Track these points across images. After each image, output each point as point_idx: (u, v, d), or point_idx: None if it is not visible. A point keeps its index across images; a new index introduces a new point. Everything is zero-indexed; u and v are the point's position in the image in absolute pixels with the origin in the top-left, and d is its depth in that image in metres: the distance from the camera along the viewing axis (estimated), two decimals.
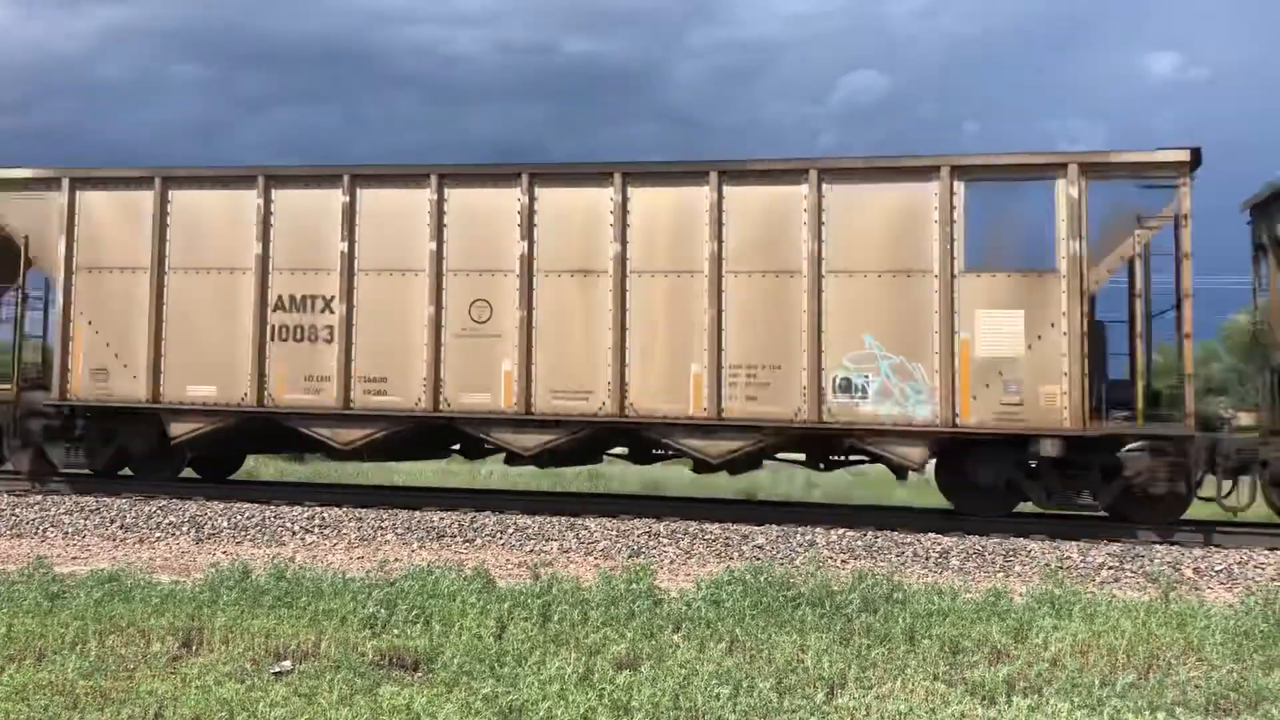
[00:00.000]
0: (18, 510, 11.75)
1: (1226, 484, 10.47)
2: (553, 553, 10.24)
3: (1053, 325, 10.46)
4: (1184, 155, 10.38)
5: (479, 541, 10.65)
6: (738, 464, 11.76)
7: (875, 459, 11.34)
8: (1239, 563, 9.57)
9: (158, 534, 11.04)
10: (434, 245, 11.76)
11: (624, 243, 11.39)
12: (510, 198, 11.67)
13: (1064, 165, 10.56)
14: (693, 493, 16.31)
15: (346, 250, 11.97)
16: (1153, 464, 10.29)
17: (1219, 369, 25.36)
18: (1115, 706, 4.78)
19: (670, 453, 12.00)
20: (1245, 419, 11.17)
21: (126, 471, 13.48)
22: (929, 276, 10.75)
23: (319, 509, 11.80)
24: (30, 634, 5.83)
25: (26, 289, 13.07)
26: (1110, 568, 9.48)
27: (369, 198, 12.04)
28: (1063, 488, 10.65)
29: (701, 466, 11.80)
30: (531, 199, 11.60)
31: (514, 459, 12.11)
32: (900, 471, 11.56)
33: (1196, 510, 11.05)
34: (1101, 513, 10.85)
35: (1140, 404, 10.50)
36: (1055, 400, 10.38)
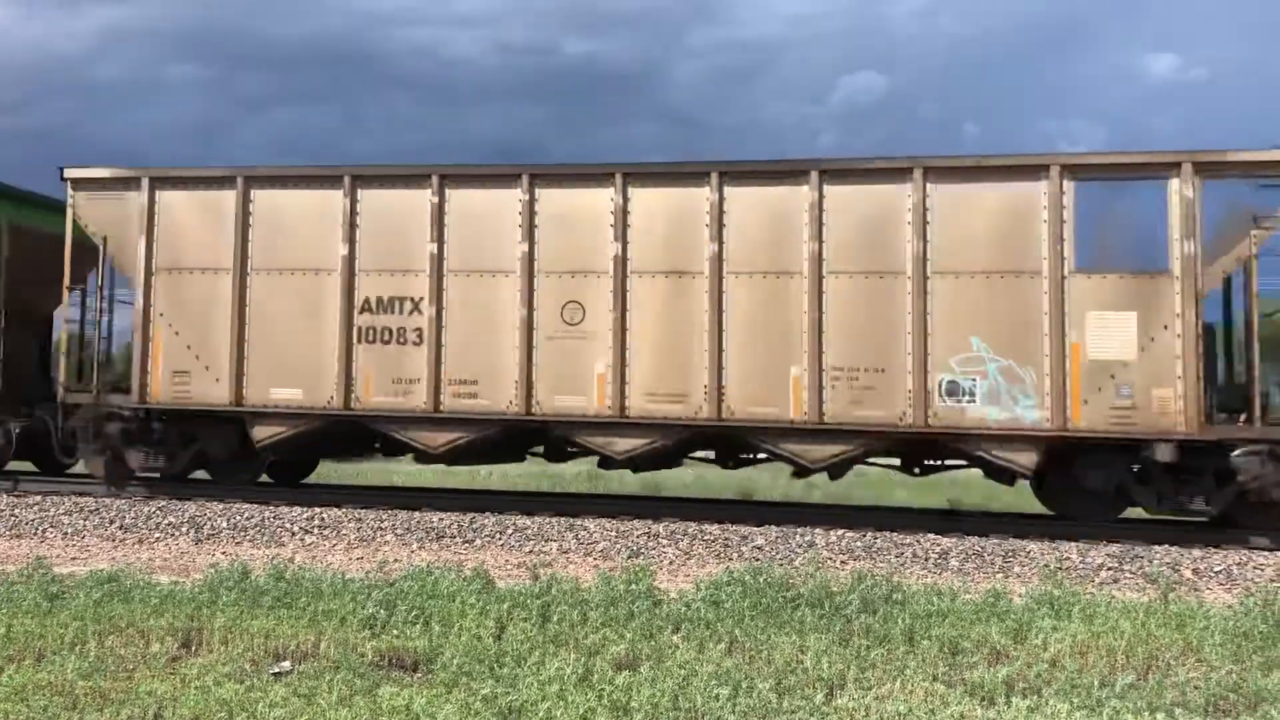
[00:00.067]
0: (17, 511, 11.75)
1: None
2: (552, 553, 10.24)
3: (1166, 327, 10.29)
4: None
5: (478, 542, 10.65)
6: (837, 469, 11.54)
7: (979, 464, 11.16)
8: (1238, 563, 9.58)
9: (157, 534, 11.04)
10: (525, 247, 11.61)
11: (720, 243, 11.21)
12: (603, 198, 11.53)
13: (1177, 164, 10.39)
14: (692, 493, 16.33)
15: (436, 251, 11.80)
16: (1268, 469, 10.12)
17: None
18: (1114, 707, 4.79)
19: (763, 456, 11.85)
20: None
21: (197, 475, 13.39)
22: (1038, 278, 10.58)
23: (318, 509, 11.79)
24: (29, 634, 5.83)
25: (105, 290, 12.86)
26: (1109, 568, 9.49)
27: (458, 198, 11.87)
28: (1174, 493, 10.48)
29: (800, 471, 11.65)
30: (625, 199, 11.46)
31: (606, 463, 11.97)
32: (1005, 477, 11.32)
33: None
34: (1205, 518, 10.72)
35: (1256, 408, 10.27)
36: (1169, 404, 10.22)
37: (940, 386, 10.70)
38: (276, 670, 5.41)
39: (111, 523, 11.32)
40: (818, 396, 10.91)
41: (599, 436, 11.47)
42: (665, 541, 10.46)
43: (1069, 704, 4.84)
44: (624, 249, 11.44)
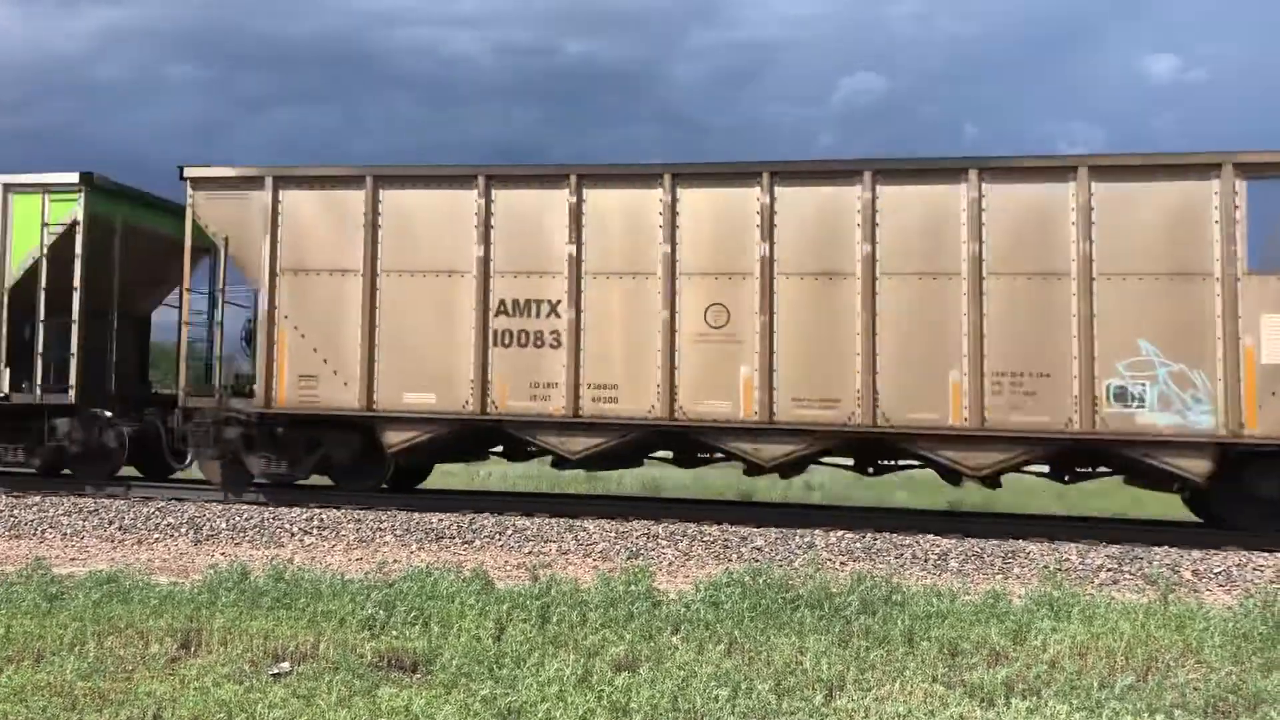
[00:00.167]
0: (16, 511, 11.75)
1: None
2: (551, 554, 10.23)
3: None
4: None
5: (478, 543, 10.65)
6: (998, 476, 11.26)
7: (1143, 472, 10.84)
8: (1238, 565, 9.58)
9: (156, 535, 11.03)
10: (667, 248, 11.34)
11: (874, 243, 10.91)
12: (748, 197, 11.26)
13: None
14: (691, 494, 16.33)
15: (574, 253, 11.56)
16: None
17: None
18: (1114, 708, 4.79)
19: (904, 462, 11.60)
20: None
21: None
22: (1209, 280, 10.31)
23: (317, 510, 11.79)
24: (29, 635, 5.83)
25: (226, 292, 12.69)
26: (1109, 570, 9.49)
27: (595, 198, 11.58)
28: None
29: (956, 478, 11.36)
30: (772, 198, 11.20)
31: (753, 469, 11.70)
32: (1170, 484, 11.09)
33: None
34: None
35: None
36: None
37: (1108, 391, 10.42)
38: (276, 671, 5.41)
39: (111, 523, 11.32)
40: (979, 401, 10.61)
41: (746, 442, 11.18)
42: (664, 542, 10.46)
43: (1068, 705, 4.84)
44: (771, 249, 11.15)
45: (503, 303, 11.72)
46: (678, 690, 4.90)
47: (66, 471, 13.58)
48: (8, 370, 12.93)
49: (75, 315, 12.78)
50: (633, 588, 7.21)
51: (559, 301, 11.60)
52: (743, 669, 5.44)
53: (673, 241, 11.37)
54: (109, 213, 13.34)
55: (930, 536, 10.55)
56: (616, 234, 11.55)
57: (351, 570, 8.70)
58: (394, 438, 11.88)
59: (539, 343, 11.62)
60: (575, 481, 18.60)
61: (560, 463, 12.21)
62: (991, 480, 11.31)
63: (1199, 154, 10.59)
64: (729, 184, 11.37)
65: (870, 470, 11.97)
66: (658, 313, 11.35)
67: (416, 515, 11.51)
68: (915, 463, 11.53)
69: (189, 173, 12.51)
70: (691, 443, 11.82)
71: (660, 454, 12.57)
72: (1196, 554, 9.93)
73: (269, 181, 12.21)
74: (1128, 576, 9.32)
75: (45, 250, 12.89)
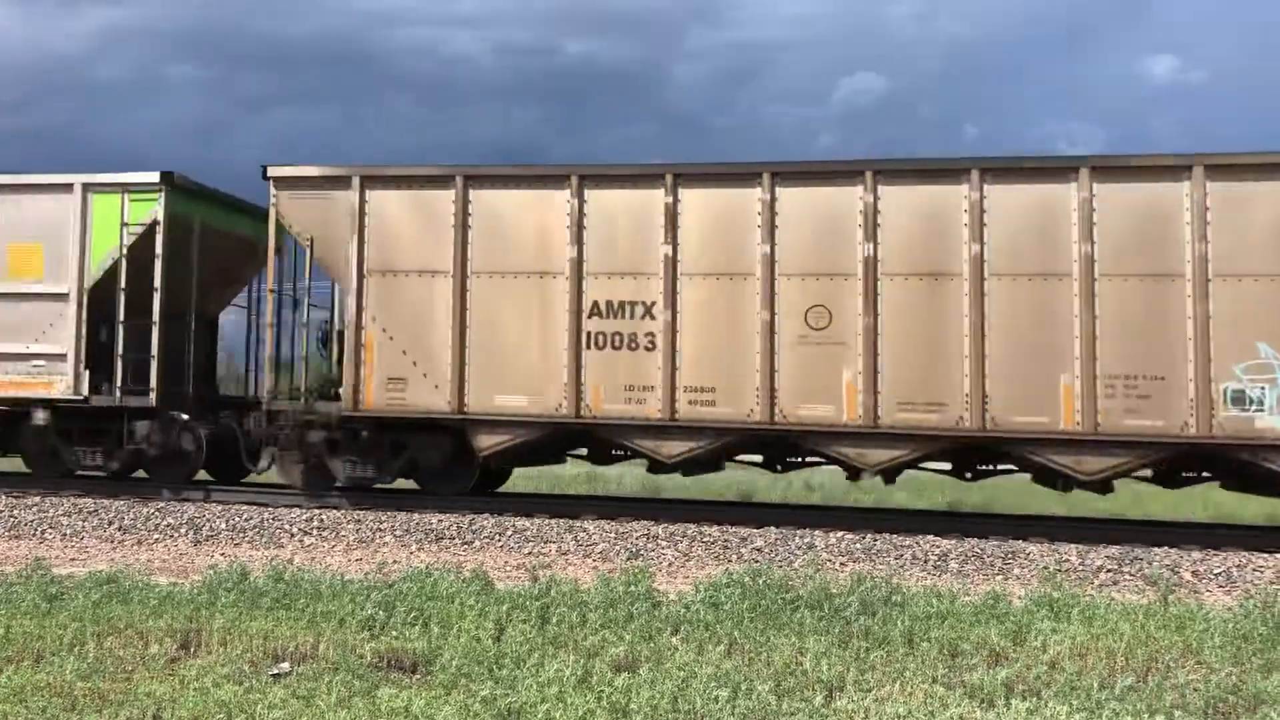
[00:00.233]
0: (16, 511, 11.75)
1: None
2: (551, 555, 10.23)
3: None
4: None
5: (477, 544, 10.65)
6: (1110, 482, 11.05)
7: (1261, 477, 10.61)
8: (1238, 565, 9.58)
9: (156, 536, 11.03)
10: (766, 248, 11.15)
11: (982, 243, 10.75)
12: (851, 196, 11.06)
13: None
14: (691, 495, 16.33)
15: (670, 253, 11.39)
16: None
17: None
18: (1114, 709, 4.79)
19: (1005, 468, 11.41)
20: None
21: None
22: None
23: (317, 511, 11.80)
24: (28, 635, 5.83)
25: (311, 293, 12.56)
26: (1109, 570, 9.49)
27: (692, 198, 11.42)
28: None
29: (1069, 483, 11.11)
30: (875, 198, 11.00)
31: (855, 474, 11.56)
32: (1271, 489, 10.90)
33: None
34: None
35: None
36: None
37: (1225, 395, 10.27)
38: (275, 672, 5.40)
39: (110, 524, 11.31)
40: (1092, 405, 10.44)
41: (849, 447, 10.99)
42: (664, 543, 10.46)
43: (1068, 706, 4.83)
44: (874, 249, 10.97)
45: (596, 304, 11.56)
46: (677, 691, 4.89)
47: (142, 474, 13.38)
48: (87, 372, 12.74)
49: (156, 316, 12.60)
50: (632, 588, 7.21)
51: (654, 303, 11.43)
52: (743, 670, 5.44)
53: (772, 241, 11.18)
54: (188, 212, 13.22)
55: (930, 537, 10.54)
56: (713, 234, 11.38)
57: (351, 571, 8.70)
58: (485, 441, 11.72)
59: (633, 345, 11.45)
60: (575, 482, 18.62)
61: (656, 467, 12.02)
62: (1104, 486, 11.07)
63: None
64: (830, 183, 11.19)
65: (968, 475, 11.75)
66: (757, 314, 11.17)
67: (416, 516, 11.51)
68: (1014, 468, 11.36)
69: (273, 172, 12.30)
70: (791, 447, 11.59)
71: (746, 457, 12.33)
72: (1197, 554, 9.93)
73: (356, 181, 12.03)
74: (1128, 577, 9.32)
75: (125, 250, 12.71)
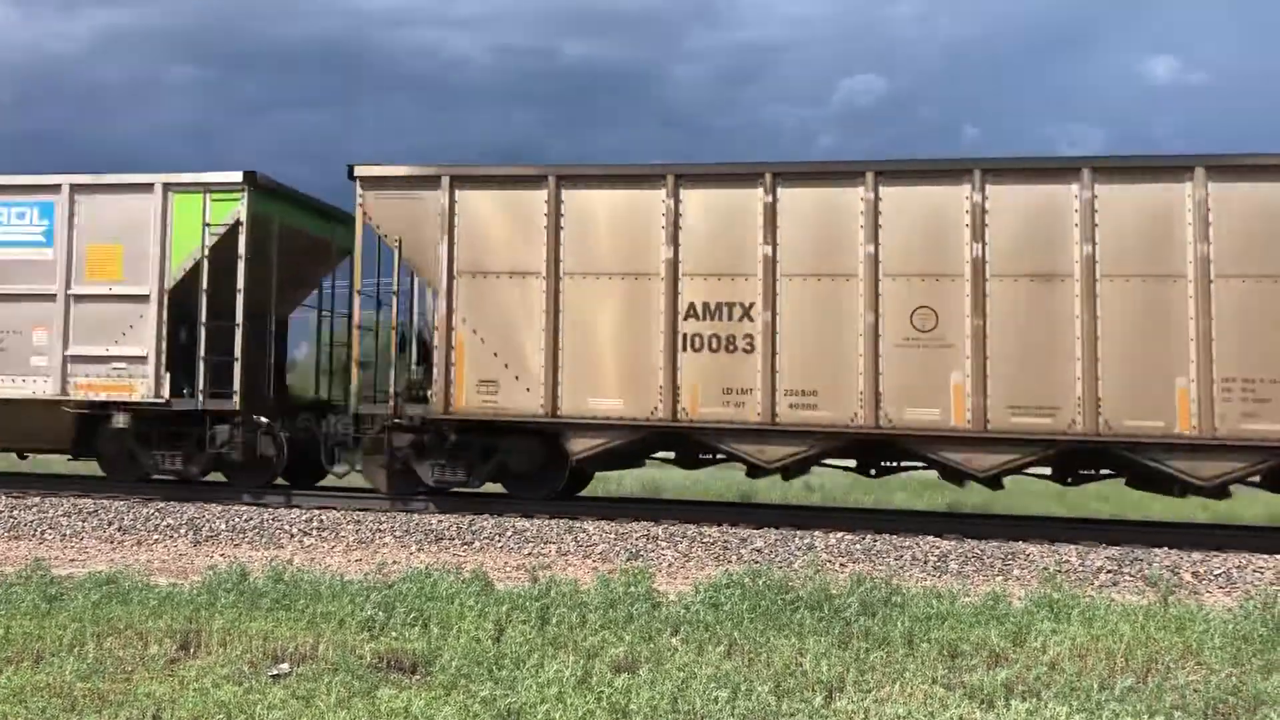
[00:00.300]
0: (15, 512, 11.75)
1: None
2: (551, 555, 10.23)
3: None
4: None
5: (477, 544, 10.64)
6: (1226, 487, 10.75)
7: None
8: (1238, 566, 9.58)
9: (155, 536, 11.03)
10: (870, 248, 10.95)
11: (1093, 243, 10.55)
12: (958, 196, 10.87)
13: None
14: (691, 495, 16.33)
15: (770, 254, 11.16)
16: None
17: None
18: (1114, 710, 4.78)
19: (1105, 473, 11.27)
20: None
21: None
22: None
23: (317, 511, 11.80)
24: (28, 636, 5.82)
25: (401, 295, 12.21)
26: (1109, 571, 9.49)
27: (791, 197, 11.18)
28: None
29: (1187, 489, 10.92)
30: (983, 197, 10.79)
31: (965, 478, 11.36)
32: None
33: None
34: None
35: None
36: None
37: None
38: (275, 672, 5.40)
39: (110, 524, 11.31)
40: (1209, 409, 10.24)
41: (957, 452, 10.78)
42: (664, 544, 10.46)
43: (1068, 707, 4.83)
44: (983, 250, 10.77)
45: (692, 306, 11.36)
46: (677, 691, 4.89)
47: (221, 478, 13.20)
48: (168, 375, 12.51)
49: (239, 319, 12.38)
50: (632, 589, 7.21)
51: (753, 304, 11.20)
52: (742, 670, 5.44)
53: (875, 241, 10.99)
54: (268, 212, 13.01)
55: (930, 538, 10.54)
56: (814, 234, 11.19)
57: (351, 571, 8.69)
58: (579, 445, 11.53)
59: (731, 347, 11.24)
60: None
61: (754, 471, 11.87)
62: (1220, 491, 10.87)
63: None
64: (936, 181, 11.00)
65: (1069, 480, 11.57)
66: (860, 315, 10.97)
67: (416, 516, 11.51)
68: (1111, 472, 11.24)
69: (359, 171, 12.10)
70: (899, 451, 11.40)
71: (834, 461, 12.19)
72: (1197, 555, 9.93)
73: (445, 181, 11.84)
74: (1128, 578, 9.32)
75: (207, 251, 12.47)
